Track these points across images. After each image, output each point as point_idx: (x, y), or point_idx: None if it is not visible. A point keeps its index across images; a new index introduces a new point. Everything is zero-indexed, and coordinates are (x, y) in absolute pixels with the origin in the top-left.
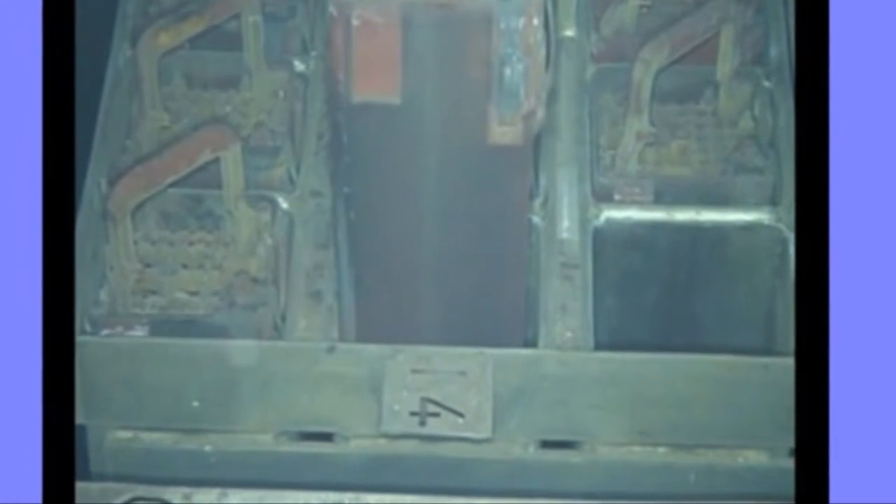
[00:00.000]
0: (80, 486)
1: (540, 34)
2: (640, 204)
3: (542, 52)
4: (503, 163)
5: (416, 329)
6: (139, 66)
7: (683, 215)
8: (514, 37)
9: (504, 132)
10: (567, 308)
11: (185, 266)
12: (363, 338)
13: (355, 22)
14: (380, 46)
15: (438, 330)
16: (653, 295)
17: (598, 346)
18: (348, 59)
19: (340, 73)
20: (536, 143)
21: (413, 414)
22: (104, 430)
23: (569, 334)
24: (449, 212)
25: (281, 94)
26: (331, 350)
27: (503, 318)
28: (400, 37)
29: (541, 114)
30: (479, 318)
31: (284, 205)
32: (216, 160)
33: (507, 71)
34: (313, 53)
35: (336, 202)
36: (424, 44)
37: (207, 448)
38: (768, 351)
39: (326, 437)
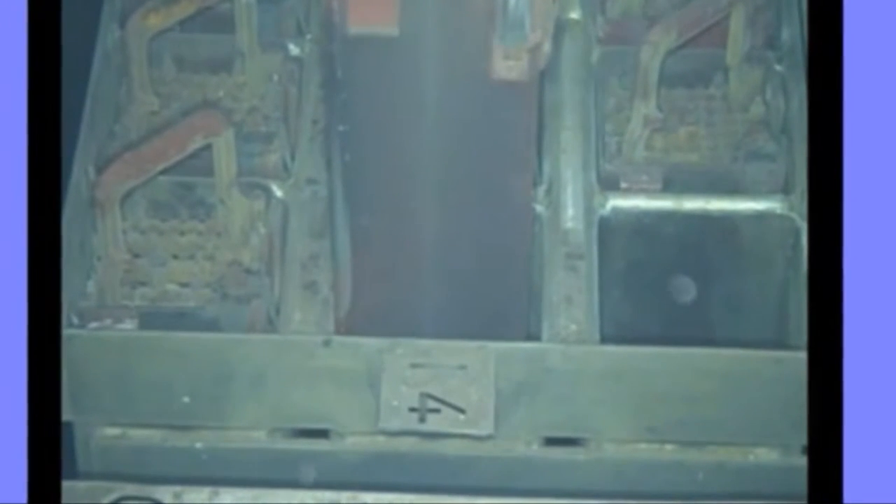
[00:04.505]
0: (67, 485)
1: None
2: (647, 192)
3: None
4: (507, 99)
5: (415, 322)
6: (128, 49)
7: (692, 204)
8: None
9: (509, 66)
10: (572, 300)
11: (175, 256)
12: (360, 331)
13: None
14: None
15: (438, 323)
16: (660, 286)
17: (604, 340)
18: None
19: (335, 2)
20: (542, 80)
21: (412, 410)
22: (92, 427)
23: (573, 327)
24: (450, 154)
25: (275, 77)
26: (327, 343)
27: (505, 311)
28: None
29: (547, 47)
30: (481, 311)
31: (279, 193)
32: (208, 146)
33: (512, 0)
34: (308, 36)
35: (333, 183)
36: None
37: (199, 445)
38: (780, 344)
39: (322, 433)
